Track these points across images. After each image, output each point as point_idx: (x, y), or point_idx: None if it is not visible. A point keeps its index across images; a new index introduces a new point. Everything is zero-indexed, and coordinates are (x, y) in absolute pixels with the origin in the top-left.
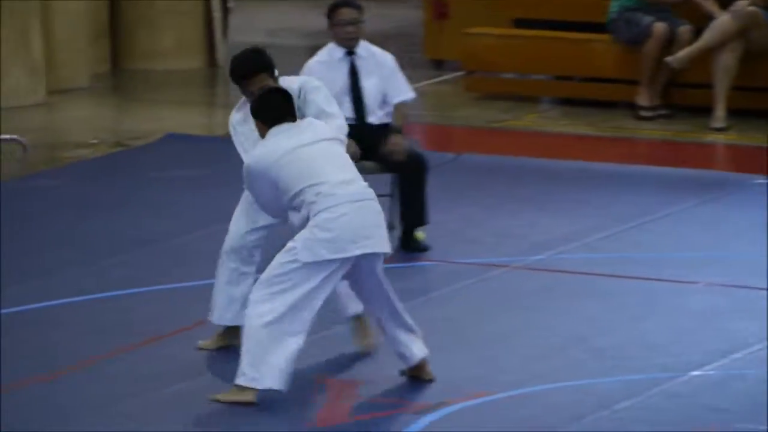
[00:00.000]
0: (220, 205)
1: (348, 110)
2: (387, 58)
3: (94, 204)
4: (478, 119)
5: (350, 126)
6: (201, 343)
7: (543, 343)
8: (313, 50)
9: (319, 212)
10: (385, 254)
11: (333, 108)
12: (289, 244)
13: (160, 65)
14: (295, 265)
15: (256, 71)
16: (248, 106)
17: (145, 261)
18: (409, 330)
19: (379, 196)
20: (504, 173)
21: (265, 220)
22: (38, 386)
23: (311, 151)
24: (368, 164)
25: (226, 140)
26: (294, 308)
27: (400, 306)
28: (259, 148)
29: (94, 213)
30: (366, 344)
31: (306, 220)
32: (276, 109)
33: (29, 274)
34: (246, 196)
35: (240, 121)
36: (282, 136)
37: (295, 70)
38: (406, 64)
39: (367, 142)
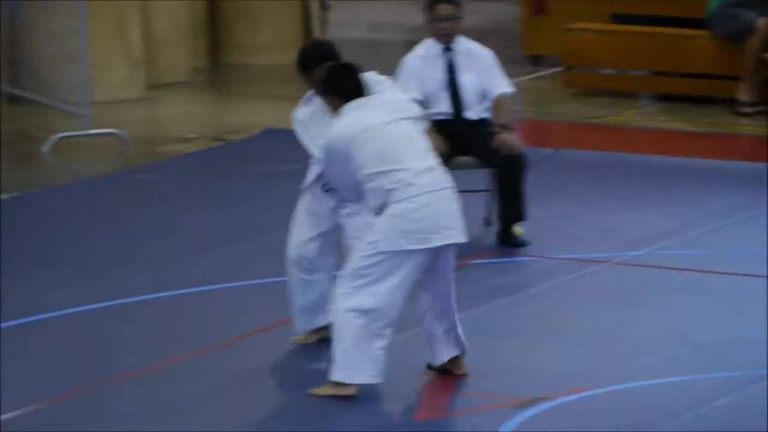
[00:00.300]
0: None
1: (445, 105)
2: (485, 54)
3: (192, 198)
4: (577, 115)
5: (447, 121)
6: (295, 337)
7: (642, 339)
8: (411, 45)
9: (399, 201)
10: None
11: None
12: (370, 237)
13: (257, 60)
14: (377, 258)
15: (322, 60)
16: (314, 101)
17: (242, 255)
18: (449, 332)
19: (477, 191)
20: (602, 169)
21: (320, 227)
22: (137, 380)
23: (391, 130)
24: (465, 159)
25: None
26: (380, 301)
27: (454, 305)
28: (338, 123)
29: (192, 207)
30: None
31: (382, 207)
32: (350, 82)
33: (128, 268)
34: (302, 205)
35: (309, 117)
36: (359, 111)
37: (394, 65)
38: (504, 60)
39: (464, 137)
